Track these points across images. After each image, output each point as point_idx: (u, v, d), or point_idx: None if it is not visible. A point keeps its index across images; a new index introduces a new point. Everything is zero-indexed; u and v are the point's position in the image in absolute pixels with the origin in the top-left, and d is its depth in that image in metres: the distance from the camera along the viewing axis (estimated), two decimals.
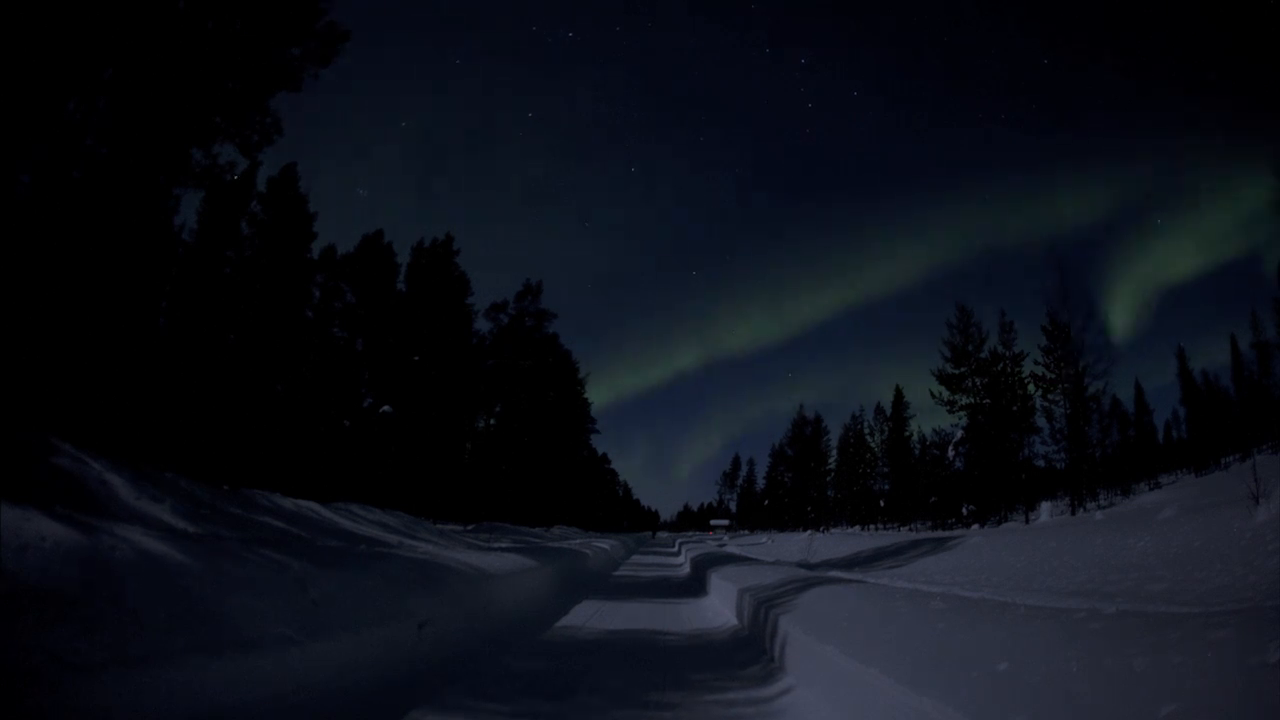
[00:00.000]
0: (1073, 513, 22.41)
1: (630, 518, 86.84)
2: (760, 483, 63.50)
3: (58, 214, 8.20)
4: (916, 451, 41.43)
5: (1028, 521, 22.92)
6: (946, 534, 18.73)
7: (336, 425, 21.92)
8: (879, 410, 44.75)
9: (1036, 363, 26.53)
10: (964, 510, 28.98)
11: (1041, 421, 26.98)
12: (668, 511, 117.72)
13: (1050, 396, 26.21)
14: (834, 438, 49.59)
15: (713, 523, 75.10)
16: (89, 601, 2.30)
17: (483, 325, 29.44)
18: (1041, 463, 28.11)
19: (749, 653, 4.65)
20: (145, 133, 8.83)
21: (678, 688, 3.61)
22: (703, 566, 11.21)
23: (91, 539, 2.63)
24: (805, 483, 49.11)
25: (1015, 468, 27.12)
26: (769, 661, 4.21)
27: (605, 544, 19.50)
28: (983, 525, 26.14)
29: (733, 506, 71.71)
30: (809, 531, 34.79)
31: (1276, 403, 30.90)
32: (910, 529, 33.10)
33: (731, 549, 21.65)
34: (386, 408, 23.65)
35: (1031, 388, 27.09)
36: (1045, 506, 23.29)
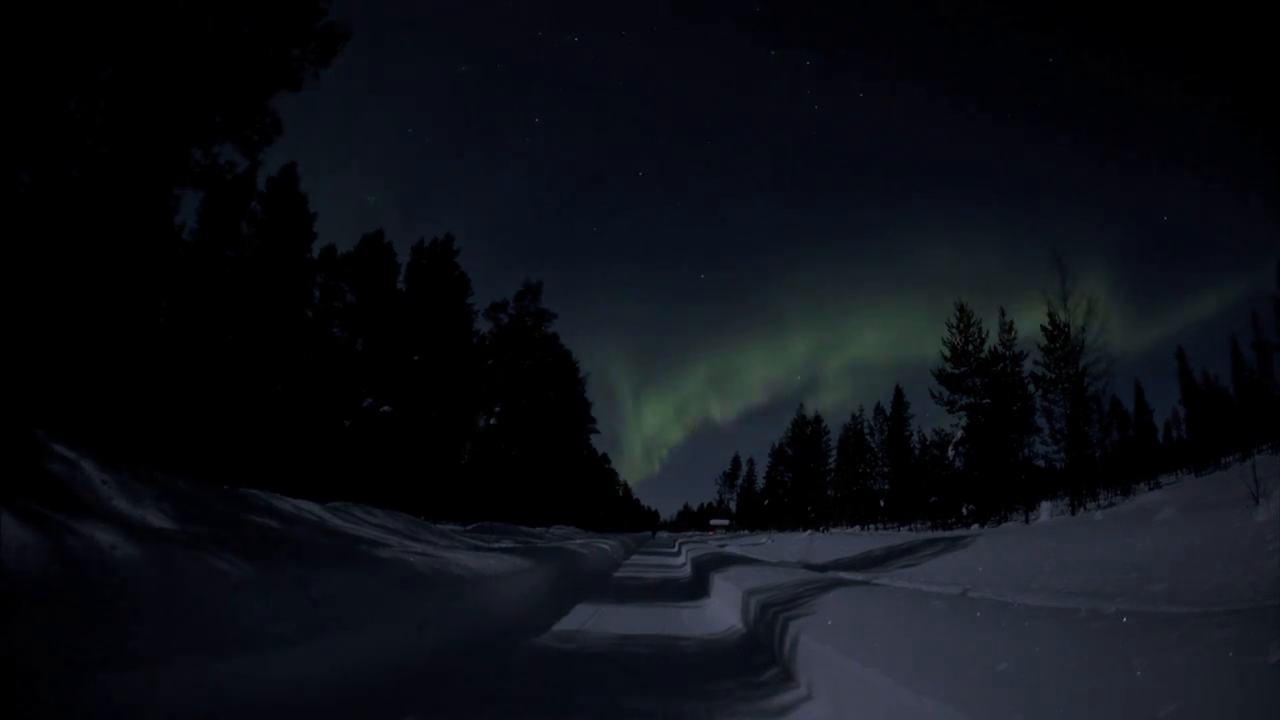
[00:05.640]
0: (1073, 513, 22.40)
1: (630, 517, 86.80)
2: (760, 483, 63.59)
3: (57, 214, 8.20)
4: (916, 451, 41.46)
5: (1027, 521, 22.92)
6: (956, 534, 18.69)
7: (336, 425, 21.92)
8: (879, 410, 44.81)
9: (1036, 363, 26.58)
10: (964, 510, 28.97)
11: (1041, 421, 27.01)
12: (668, 511, 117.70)
13: (1050, 396, 26.24)
14: (834, 438, 49.67)
15: (713, 522, 75.13)
16: (88, 601, 2.30)
17: (483, 325, 29.50)
18: (1041, 463, 28.13)
19: (757, 659, 4.58)
20: (145, 133, 8.83)
21: (682, 696, 3.54)
22: (704, 568, 11.19)
23: (90, 539, 2.63)
24: (805, 483, 49.11)
25: (1015, 468, 27.12)
26: (778, 668, 4.14)
27: (605, 544, 19.50)
28: (983, 525, 26.14)
29: (733, 506, 71.72)
30: (809, 532, 34.79)
31: (1276, 403, 30.90)
32: (910, 529, 33.10)
33: (732, 549, 21.64)
34: (386, 408, 23.64)
35: (1031, 388, 27.13)
36: (1045, 506, 23.28)
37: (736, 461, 72.29)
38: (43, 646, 2.03)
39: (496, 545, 11.02)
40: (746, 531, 56.50)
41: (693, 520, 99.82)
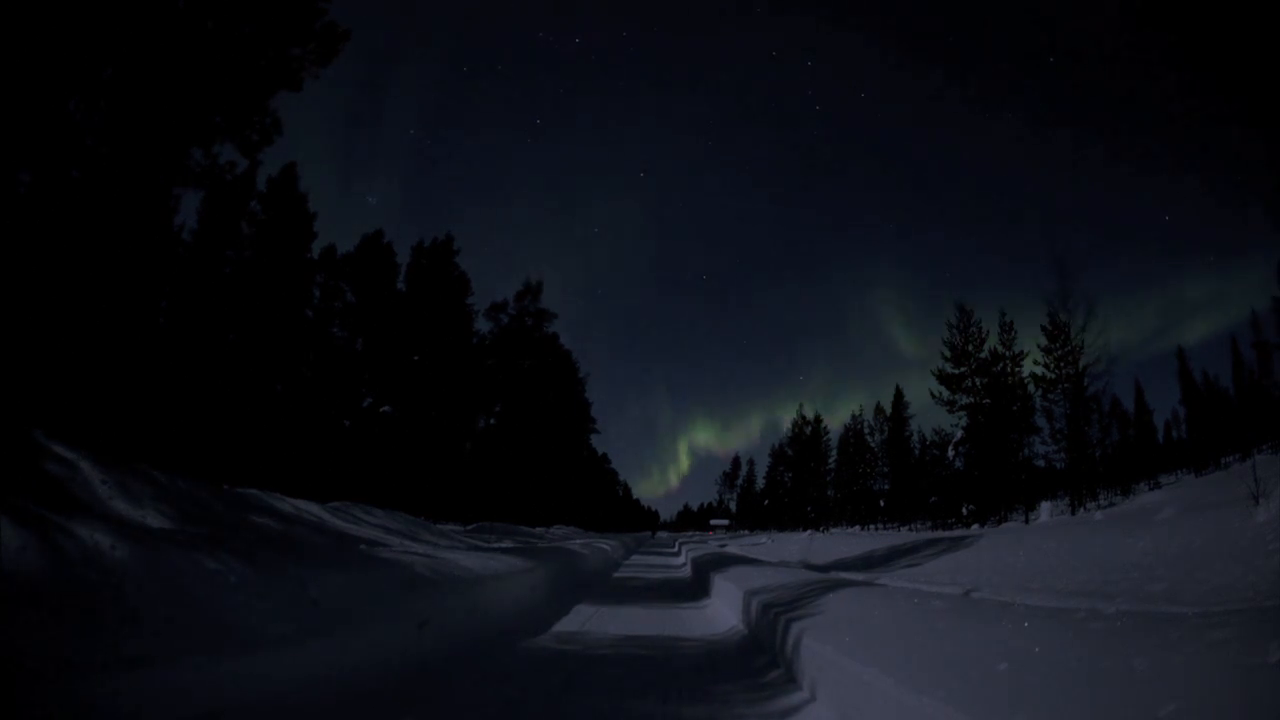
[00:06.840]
0: (1072, 513, 22.40)
1: (630, 518, 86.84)
2: (760, 483, 63.59)
3: (58, 214, 8.20)
4: (916, 451, 41.46)
5: (1028, 521, 22.91)
6: (957, 534, 18.67)
7: (336, 425, 21.92)
8: (879, 410, 44.80)
9: (1036, 363, 26.59)
10: (964, 510, 28.97)
11: (1041, 421, 27.03)
12: (668, 512, 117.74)
13: (1050, 396, 26.24)
14: (834, 437, 49.67)
15: (712, 522, 75.16)
16: (89, 602, 2.30)
17: (483, 325, 29.50)
18: (1041, 463, 28.15)
19: (759, 660, 4.56)
20: (145, 133, 8.83)
21: (684, 699, 3.53)
22: (704, 568, 11.17)
23: (90, 540, 2.62)
24: (805, 483, 49.10)
25: (1015, 468, 27.12)
26: (781, 670, 4.12)
27: (605, 544, 19.49)
28: (983, 525, 26.14)
29: (733, 506, 71.71)
30: (809, 532, 34.79)
31: (1276, 403, 30.91)
32: (910, 529, 33.11)
33: (732, 549, 21.64)
34: (386, 408, 23.64)
35: (1031, 388, 27.13)
36: (1045, 506, 23.28)
37: (736, 461, 72.36)
38: (42, 647, 2.02)
39: (496, 545, 11.02)
40: (746, 531, 56.49)
41: (692, 520, 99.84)
